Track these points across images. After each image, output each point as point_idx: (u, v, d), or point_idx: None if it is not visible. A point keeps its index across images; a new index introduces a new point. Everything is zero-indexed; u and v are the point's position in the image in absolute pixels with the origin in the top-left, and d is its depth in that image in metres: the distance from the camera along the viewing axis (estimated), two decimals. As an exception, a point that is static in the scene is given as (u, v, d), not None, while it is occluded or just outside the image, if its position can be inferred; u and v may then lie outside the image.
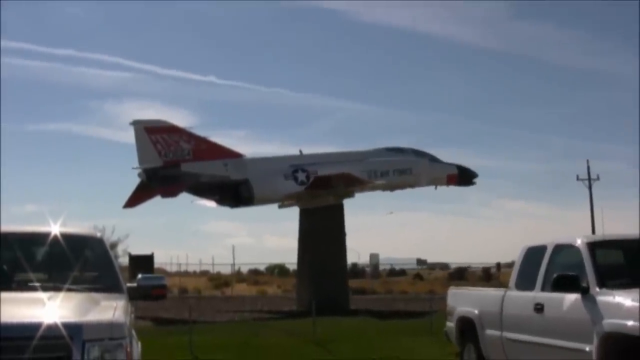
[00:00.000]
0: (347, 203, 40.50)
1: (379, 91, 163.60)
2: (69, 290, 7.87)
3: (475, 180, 44.24)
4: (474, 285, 46.16)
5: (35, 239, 8.92)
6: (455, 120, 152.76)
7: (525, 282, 11.84)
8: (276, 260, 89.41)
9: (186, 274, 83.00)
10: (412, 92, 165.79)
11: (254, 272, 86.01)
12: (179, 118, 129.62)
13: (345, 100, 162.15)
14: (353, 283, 52.50)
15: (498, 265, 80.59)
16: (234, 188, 37.62)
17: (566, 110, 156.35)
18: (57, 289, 7.82)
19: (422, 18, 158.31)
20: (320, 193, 38.71)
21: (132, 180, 36.97)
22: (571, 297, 10.26)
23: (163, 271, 70.91)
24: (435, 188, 43.38)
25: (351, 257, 69.83)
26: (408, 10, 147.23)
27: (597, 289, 9.96)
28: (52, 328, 6.44)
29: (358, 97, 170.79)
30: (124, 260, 55.50)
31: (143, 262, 53.69)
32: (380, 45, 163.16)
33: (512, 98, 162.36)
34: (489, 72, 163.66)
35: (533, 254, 11.91)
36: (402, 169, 41.32)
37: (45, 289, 7.82)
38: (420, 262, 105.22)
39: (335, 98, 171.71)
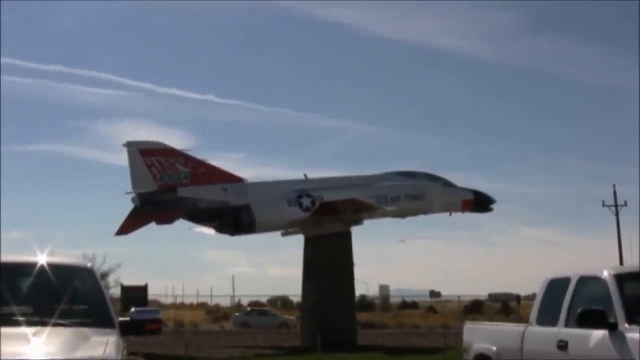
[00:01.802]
0: (355, 230, 40.46)
1: (388, 111, 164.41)
2: (56, 324, 7.82)
3: (493, 206, 44.13)
4: (491, 319, 45.94)
5: (20, 269, 8.88)
6: (469, 142, 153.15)
7: (548, 316, 11.74)
8: (279, 291, 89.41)
9: (182, 306, 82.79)
10: (423, 112, 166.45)
11: (255, 304, 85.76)
12: (175, 139, 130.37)
13: (352, 121, 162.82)
14: (361, 316, 52.27)
15: (517, 298, 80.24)
16: (234, 214, 37.58)
17: (590, 130, 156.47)
18: (43, 323, 7.77)
19: (434, 32, 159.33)
20: (326, 220, 38.63)
21: (125, 206, 37.00)
22: (597, 334, 10.16)
23: (158, 303, 70.84)
24: (450, 214, 43.27)
25: (359, 289, 70.00)
26: (419, 23, 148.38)
27: (626, 325, 9.86)
28: (36, 367, 6.38)
29: (366, 117, 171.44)
30: (116, 292, 55.52)
31: (136, 294, 53.77)
32: (389, 61, 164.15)
33: (530, 117, 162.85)
34: (506, 89, 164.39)
35: (556, 287, 11.82)
36: (414, 194, 41.23)
37: (30, 323, 7.77)
38: (433, 293, 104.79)
39: (341, 118, 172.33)
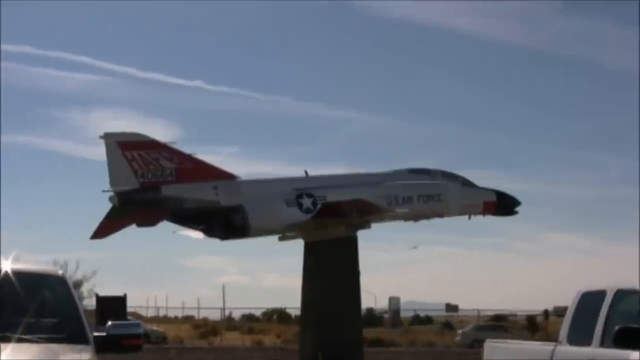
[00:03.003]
0: (362, 235, 40.41)
1: (399, 100, 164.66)
2: (22, 340, 7.80)
3: (518, 209, 44.13)
4: (516, 337, 45.95)
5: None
6: (490, 135, 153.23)
7: (580, 335, 11.73)
8: (275, 303, 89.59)
9: (166, 319, 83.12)
10: (438, 101, 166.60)
11: (248, 318, 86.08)
12: (159, 130, 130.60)
13: (358, 111, 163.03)
14: (368, 332, 52.34)
15: (545, 312, 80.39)
16: (225, 216, 37.60)
17: (627, 124, 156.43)
18: (6, 339, 7.75)
19: (452, 13, 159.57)
20: (329, 223, 38.63)
21: (102, 206, 37.03)
22: (637, 355, 10.13)
23: (138, 316, 71.07)
24: (469, 218, 43.27)
25: (366, 301, 70.13)
26: (435, 3, 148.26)
27: (669, 345, 9.83)
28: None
29: (374, 108, 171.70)
30: (91, 303, 55.61)
31: (114, 305, 53.76)
32: (400, 45, 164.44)
33: (559, 109, 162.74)
34: (531, 76, 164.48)
35: (589, 301, 11.81)
36: (429, 195, 41.15)
37: (-9, 339, 7.74)
38: (449, 307, 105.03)
39: (346, 108, 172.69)
